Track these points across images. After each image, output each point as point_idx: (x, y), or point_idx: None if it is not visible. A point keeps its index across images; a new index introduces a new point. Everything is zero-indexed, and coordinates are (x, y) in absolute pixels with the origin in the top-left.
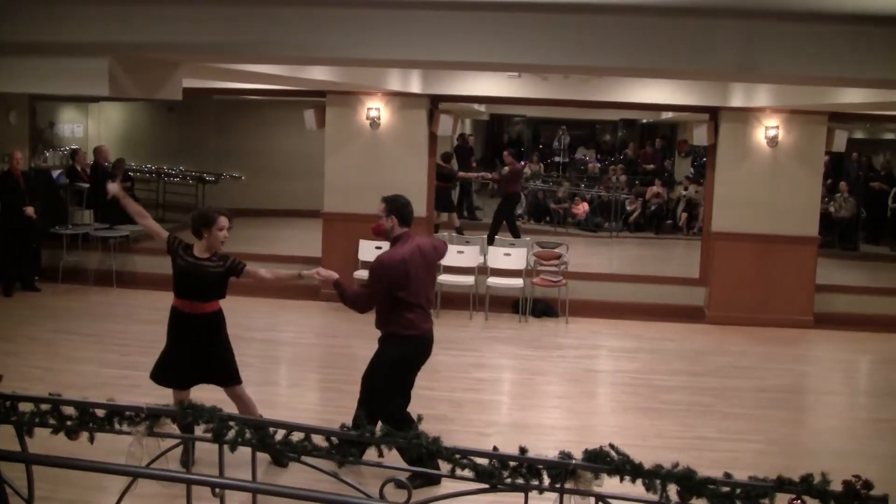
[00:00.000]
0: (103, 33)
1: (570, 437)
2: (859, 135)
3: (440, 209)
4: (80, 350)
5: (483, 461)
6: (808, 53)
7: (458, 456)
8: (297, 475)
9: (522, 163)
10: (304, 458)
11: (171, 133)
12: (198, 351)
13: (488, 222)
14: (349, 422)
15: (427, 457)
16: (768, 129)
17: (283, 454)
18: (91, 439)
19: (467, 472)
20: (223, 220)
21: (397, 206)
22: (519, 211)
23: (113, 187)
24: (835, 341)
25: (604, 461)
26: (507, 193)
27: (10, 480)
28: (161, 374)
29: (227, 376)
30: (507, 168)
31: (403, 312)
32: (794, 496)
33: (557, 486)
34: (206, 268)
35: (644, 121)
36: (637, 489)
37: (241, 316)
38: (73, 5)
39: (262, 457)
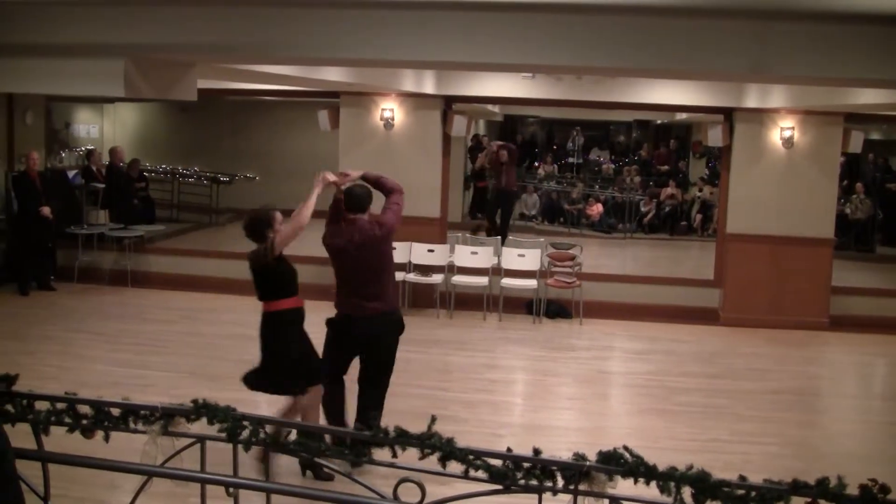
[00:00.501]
0: (118, 34)
1: (583, 438)
2: (875, 136)
3: (482, 210)
4: (95, 349)
5: (496, 462)
6: (823, 54)
7: (471, 457)
8: (311, 475)
9: (536, 164)
10: (317, 458)
11: (185, 134)
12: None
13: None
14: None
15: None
16: (783, 130)
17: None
18: (106, 438)
19: (481, 473)
20: (279, 215)
21: (346, 194)
22: (533, 212)
23: None
24: (850, 343)
25: (618, 463)
26: (503, 189)
27: (27, 478)
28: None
29: None
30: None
31: (337, 288)
32: (809, 499)
33: (571, 487)
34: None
35: (658, 122)
36: (651, 491)
37: (254, 316)
38: (88, 7)
39: (289, 465)
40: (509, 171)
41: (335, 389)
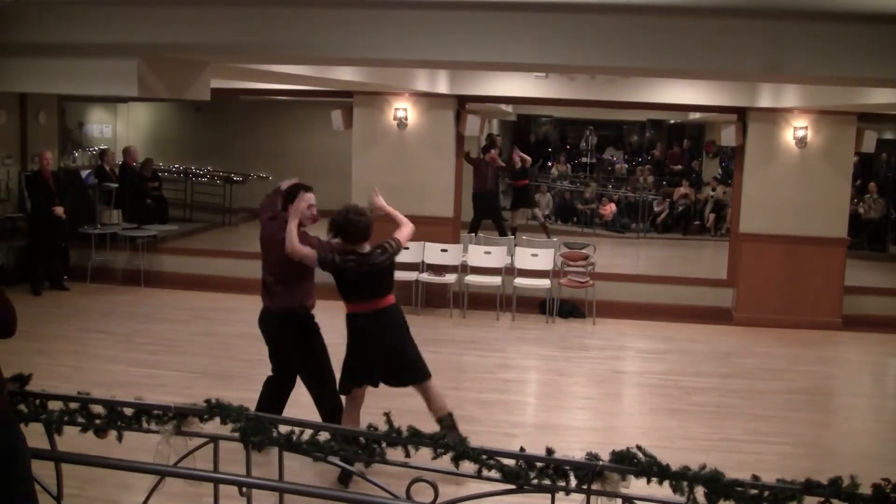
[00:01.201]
0: (132, 34)
1: (596, 438)
2: (889, 135)
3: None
4: (108, 349)
5: (510, 462)
6: (836, 53)
7: (484, 456)
8: (324, 475)
9: (550, 163)
10: (330, 458)
11: (198, 133)
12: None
13: (516, 223)
14: (376, 421)
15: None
16: (797, 130)
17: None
18: (119, 438)
19: (494, 473)
20: None
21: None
22: (546, 211)
23: None
24: (863, 343)
25: (631, 462)
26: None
27: (40, 478)
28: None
29: None
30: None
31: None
32: (822, 499)
33: (584, 487)
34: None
35: (671, 121)
36: (664, 491)
37: None
38: (101, 6)
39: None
40: (494, 175)
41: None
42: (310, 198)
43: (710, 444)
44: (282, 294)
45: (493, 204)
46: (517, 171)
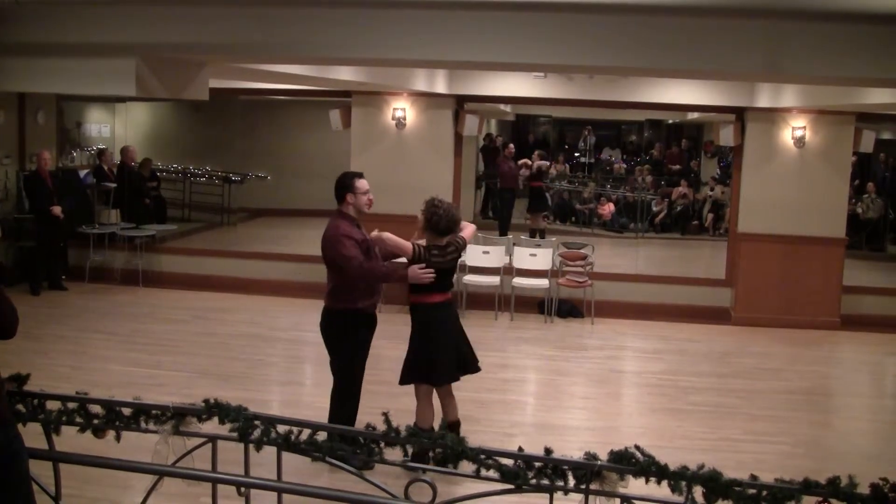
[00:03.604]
0: (130, 34)
1: (595, 438)
2: (887, 135)
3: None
4: (107, 349)
5: (508, 462)
6: (835, 53)
7: (483, 456)
8: (323, 475)
9: (547, 162)
10: (328, 458)
11: (197, 133)
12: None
13: (516, 222)
14: (374, 421)
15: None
16: (795, 130)
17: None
18: (117, 438)
19: (492, 473)
20: None
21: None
22: (545, 211)
23: None
24: (862, 343)
25: (629, 462)
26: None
27: (38, 478)
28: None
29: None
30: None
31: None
32: (820, 499)
33: (583, 487)
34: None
35: (670, 121)
36: (662, 491)
37: (266, 315)
38: (100, 6)
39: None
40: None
41: None
42: (364, 185)
43: (709, 443)
44: (329, 293)
45: (513, 202)
46: (536, 173)
